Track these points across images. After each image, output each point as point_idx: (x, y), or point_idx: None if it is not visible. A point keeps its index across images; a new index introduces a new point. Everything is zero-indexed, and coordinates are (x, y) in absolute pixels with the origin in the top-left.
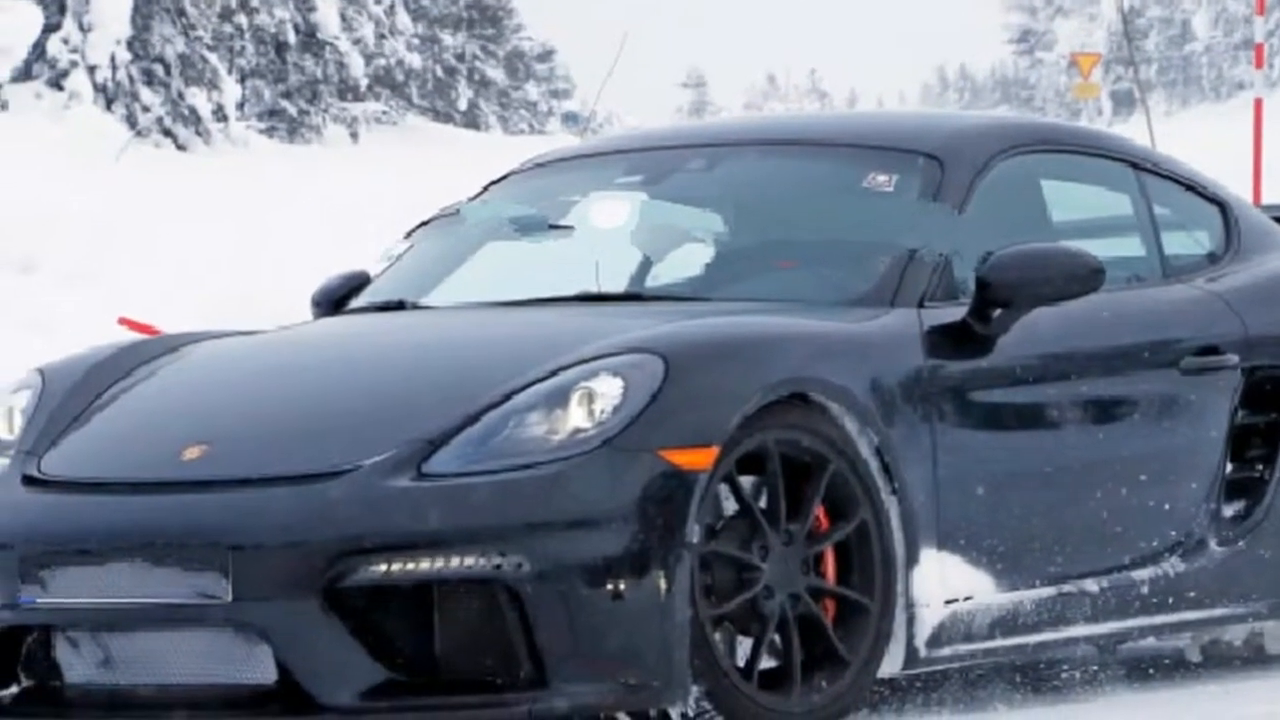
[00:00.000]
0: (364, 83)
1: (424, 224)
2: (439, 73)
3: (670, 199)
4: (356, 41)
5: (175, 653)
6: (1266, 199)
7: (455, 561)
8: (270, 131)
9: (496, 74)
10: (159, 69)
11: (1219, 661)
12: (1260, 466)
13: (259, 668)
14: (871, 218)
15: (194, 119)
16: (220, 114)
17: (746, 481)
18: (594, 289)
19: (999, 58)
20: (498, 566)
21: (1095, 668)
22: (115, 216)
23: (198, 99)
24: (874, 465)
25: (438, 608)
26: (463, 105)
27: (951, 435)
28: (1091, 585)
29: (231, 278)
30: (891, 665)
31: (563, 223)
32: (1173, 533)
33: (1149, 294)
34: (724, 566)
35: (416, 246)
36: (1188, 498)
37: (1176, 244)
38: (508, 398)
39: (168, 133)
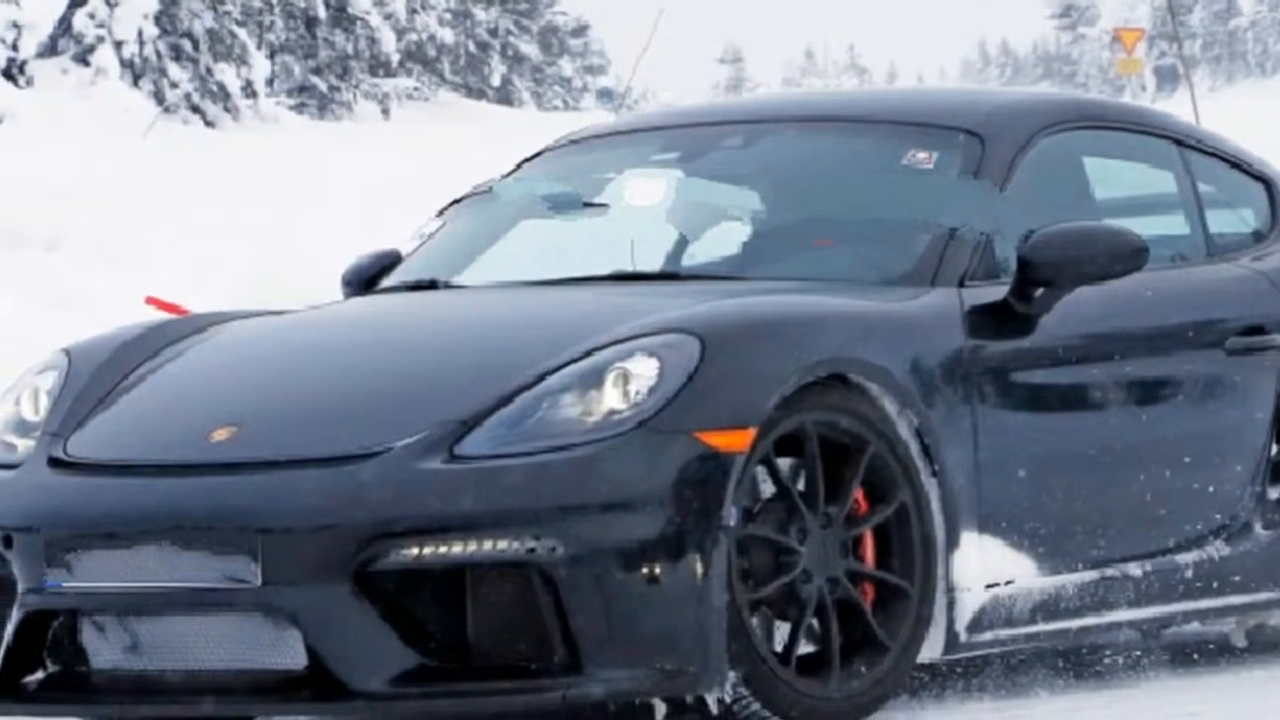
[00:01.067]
0: (395, 58)
1: (456, 202)
2: (471, 48)
3: (707, 176)
4: (388, 16)
5: (203, 637)
6: None
7: (488, 545)
8: (300, 108)
9: (530, 49)
10: (187, 44)
11: (1264, 646)
12: None
13: (288, 653)
14: (911, 195)
15: (223, 95)
16: (249, 90)
17: (784, 464)
18: (629, 268)
19: (1041, 33)
20: (531, 550)
21: (1138, 653)
22: (142, 194)
23: (226, 75)
24: (914, 447)
25: (470, 592)
26: (496, 81)
27: (993, 416)
28: (1135, 569)
29: (261, 256)
30: (931, 650)
31: (597, 201)
32: (1217, 516)
33: (1193, 273)
34: (761, 550)
35: (449, 225)
36: (1232, 480)
37: (1221, 222)
38: (541, 378)
39: (196, 109)
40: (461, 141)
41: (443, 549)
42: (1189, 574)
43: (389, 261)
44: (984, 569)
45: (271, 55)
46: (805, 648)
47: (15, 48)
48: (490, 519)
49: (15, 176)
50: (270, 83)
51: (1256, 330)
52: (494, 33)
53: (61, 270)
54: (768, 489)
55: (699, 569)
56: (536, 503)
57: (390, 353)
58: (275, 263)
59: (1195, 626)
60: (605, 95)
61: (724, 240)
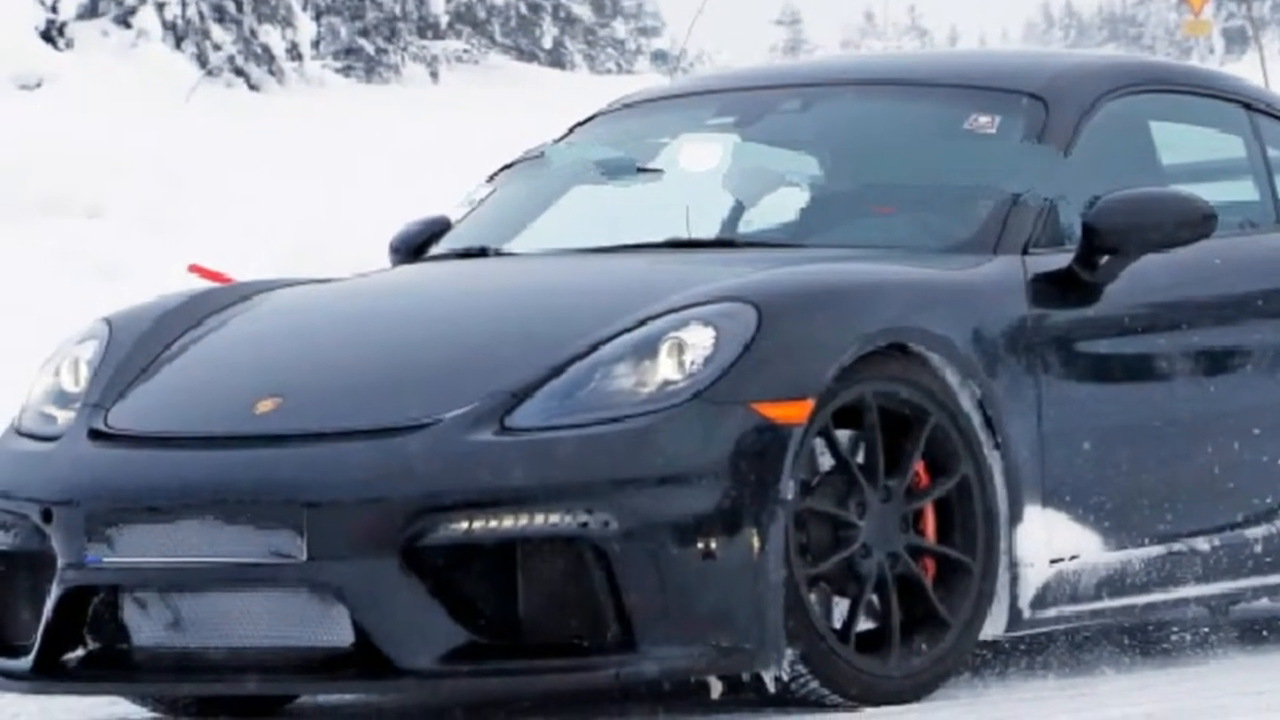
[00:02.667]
0: (444, 20)
1: (507, 167)
2: (522, 9)
3: (764, 141)
4: None
5: (247, 614)
6: None
7: (539, 519)
8: (346, 71)
9: (583, 11)
10: (230, 5)
11: None
12: None
13: (335, 629)
14: (973, 161)
15: (267, 58)
16: (294, 52)
17: (843, 435)
18: (684, 235)
19: None
20: (584, 524)
21: (1206, 630)
22: (185, 159)
23: (271, 37)
24: (976, 419)
25: (521, 567)
26: (547, 43)
27: (1057, 387)
28: (1202, 544)
29: (306, 223)
30: (994, 627)
31: (651, 166)
32: None
33: (1262, 240)
34: (819, 524)
35: (499, 191)
36: None
37: None
38: (594, 348)
39: (240, 72)
40: (512, 105)
41: (493, 523)
42: (1258, 549)
43: (438, 228)
44: (1048, 544)
45: (317, 17)
46: (864, 624)
47: (54, 9)
48: (542, 492)
49: (55, 141)
50: (316, 45)
51: None
52: None
53: (103, 238)
54: (826, 461)
55: (756, 544)
56: (589, 476)
57: (439, 322)
58: (321, 229)
59: (1265, 603)
60: (660, 58)
61: (781, 207)
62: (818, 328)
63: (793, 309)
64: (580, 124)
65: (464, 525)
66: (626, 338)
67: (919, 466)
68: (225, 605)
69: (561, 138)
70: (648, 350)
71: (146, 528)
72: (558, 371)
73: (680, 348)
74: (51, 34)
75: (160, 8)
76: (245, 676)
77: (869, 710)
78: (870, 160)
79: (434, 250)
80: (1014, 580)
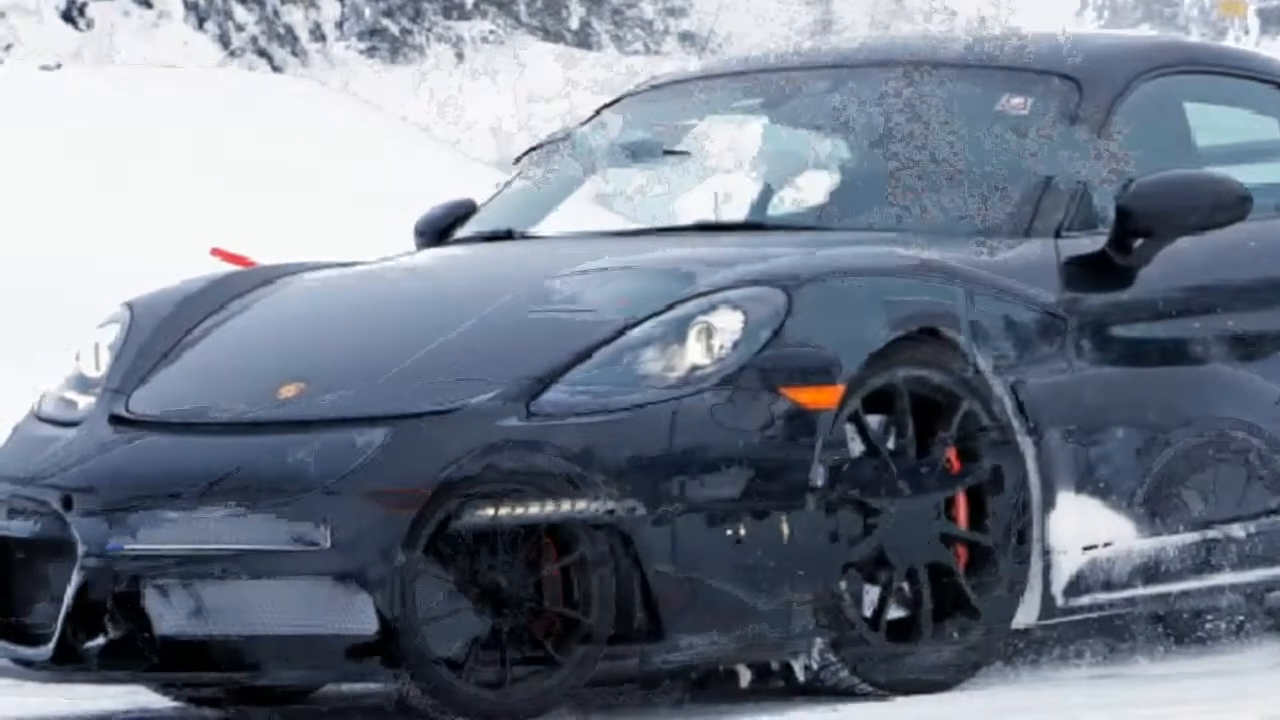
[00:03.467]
0: (470, 0)
1: (534, 149)
2: None
3: (792, 124)
4: None
5: (270, 602)
6: None
7: (566, 505)
8: (371, 52)
9: None
10: None
11: None
12: None
13: (358, 618)
14: (1005, 143)
15: (290, 38)
16: (318, 33)
17: (874, 421)
18: (712, 218)
19: None
20: (611, 511)
21: (1242, 618)
22: (207, 141)
23: (294, 17)
24: (1008, 404)
25: (547, 554)
26: (574, 24)
27: (1090, 372)
28: (1238, 531)
29: (328, 206)
30: (1027, 615)
31: (679, 149)
32: None
33: None
34: (850, 511)
35: (525, 173)
36: None
37: None
38: (621, 333)
39: (263, 53)
40: (538, 87)
41: (518, 510)
42: None
43: (463, 211)
44: (1081, 530)
45: None
46: (895, 612)
47: None
48: (568, 478)
49: (74, 122)
50: (340, 25)
51: None
52: None
53: (123, 219)
54: (856, 447)
55: (785, 530)
56: (616, 462)
57: (464, 306)
58: (343, 213)
59: None
60: (687, 39)
61: (810, 190)
62: (848, 312)
63: (822, 293)
64: (607, 106)
65: (489, 512)
66: (654, 321)
67: (950, 453)
68: (248, 594)
69: (588, 120)
70: (676, 334)
71: (168, 514)
72: (584, 356)
73: (709, 332)
74: (72, 14)
75: None
76: (267, 666)
77: (899, 699)
78: (900, 142)
79: (459, 233)
80: (1047, 568)
